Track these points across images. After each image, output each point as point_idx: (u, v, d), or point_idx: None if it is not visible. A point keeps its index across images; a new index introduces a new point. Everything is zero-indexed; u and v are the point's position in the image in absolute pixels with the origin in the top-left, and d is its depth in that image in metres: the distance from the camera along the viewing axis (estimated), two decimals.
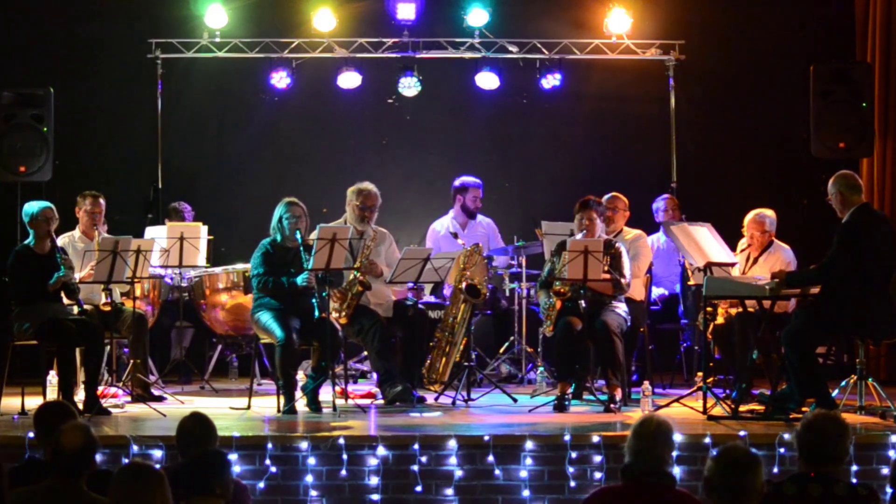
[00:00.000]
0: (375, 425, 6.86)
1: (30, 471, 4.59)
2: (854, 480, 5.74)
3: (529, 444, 6.16)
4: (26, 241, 7.53)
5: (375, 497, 6.09)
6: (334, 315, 7.71)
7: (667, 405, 7.30)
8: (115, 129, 10.32)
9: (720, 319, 7.78)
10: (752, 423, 6.71)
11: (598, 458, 6.12)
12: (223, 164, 10.59)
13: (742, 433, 6.26)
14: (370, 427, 6.76)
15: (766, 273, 7.33)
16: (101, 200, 8.16)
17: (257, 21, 10.18)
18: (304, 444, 6.12)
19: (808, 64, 9.33)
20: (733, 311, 7.71)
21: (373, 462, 6.11)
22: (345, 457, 6.10)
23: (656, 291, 9.01)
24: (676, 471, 4.91)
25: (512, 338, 9.11)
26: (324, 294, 7.42)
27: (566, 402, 7.39)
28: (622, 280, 7.61)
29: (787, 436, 6.08)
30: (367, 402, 7.83)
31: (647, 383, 7.39)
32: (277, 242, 7.67)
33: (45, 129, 9.16)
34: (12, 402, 7.32)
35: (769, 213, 7.85)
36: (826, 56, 9.73)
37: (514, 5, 10.37)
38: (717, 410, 6.98)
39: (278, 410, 7.29)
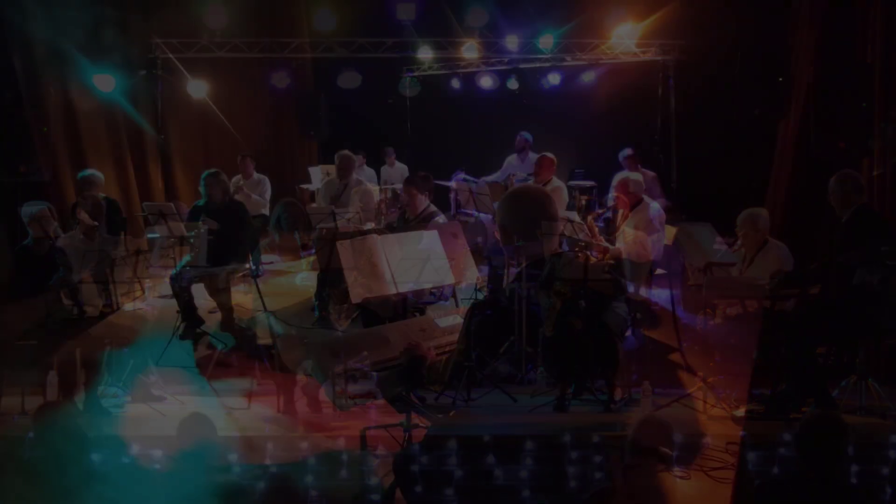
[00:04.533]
0: (376, 425, 6.85)
1: None
2: (854, 480, 5.75)
3: (529, 444, 6.16)
4: (25, 242, 7.53)
5: (375, 497, 6.09)
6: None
7: (667, 405, 7.30)
8: None
9: (718, 320, 7.78)
10: (752, 422, 6.71)
11: (598, 458, 6.12)
12: (223, 163, 10.57)
13: (742, 433, 6.27)
14: (370, 427, 6.75)
15: (764, 271, 7.34)
16: (103, 202, 8.17)
17: (257, 21, 10.19)
18: (304, 444, 6.11)
19: (807, 64, 9.33)
20: (731, 311, 7.71)
21: (373, 462, 6.11)
22: (345, 457, 6.10)
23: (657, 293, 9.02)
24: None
25: (512, 338, 9.10)
26: (324, 294, 7.42)
27: (566, 402, 7.39)
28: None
29: (787, 436, 6.08)
30: (367, 402, 7.82)
31: (647, 383, 7.39)
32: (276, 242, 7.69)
33: (45, 129, 9.17)
34: (12, 402, 7.31)
35: (761, 211, 7.83)
36: (826, 56, 9.73)
37: (514, 5, 10.37)
38: (717, 411, 6.98)
39: (278, 410, 7.28)
